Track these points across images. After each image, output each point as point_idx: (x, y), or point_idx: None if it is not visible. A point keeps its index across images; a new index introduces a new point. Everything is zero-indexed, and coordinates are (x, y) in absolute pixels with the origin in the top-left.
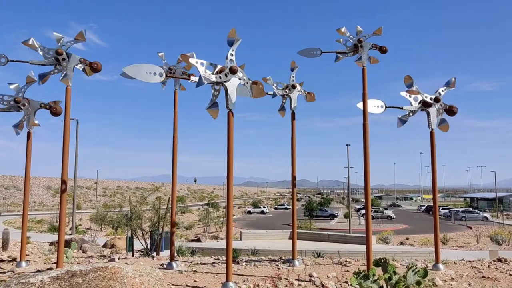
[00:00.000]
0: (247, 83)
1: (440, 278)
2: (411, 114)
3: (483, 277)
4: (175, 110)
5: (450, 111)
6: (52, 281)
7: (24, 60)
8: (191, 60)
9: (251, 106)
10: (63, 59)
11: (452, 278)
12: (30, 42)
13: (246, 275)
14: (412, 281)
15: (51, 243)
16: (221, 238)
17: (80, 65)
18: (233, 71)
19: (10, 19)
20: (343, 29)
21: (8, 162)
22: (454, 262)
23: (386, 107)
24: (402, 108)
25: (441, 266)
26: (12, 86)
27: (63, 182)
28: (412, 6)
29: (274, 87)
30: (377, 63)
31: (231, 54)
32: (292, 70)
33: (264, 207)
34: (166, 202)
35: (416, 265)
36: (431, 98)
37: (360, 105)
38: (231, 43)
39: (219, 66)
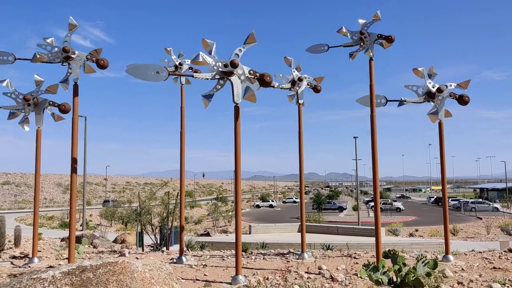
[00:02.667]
0: (253, 78)
1: (450, 269)
2: (436, 105)
3: (494, 268)
4: (182, 105)
5: (462, 100)
6: (64, 276)
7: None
8: (201, 56)
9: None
10: (70, 57)
11: (463, 269)
12: (49, 41)
13: (255, 269)
14: (422, 272)
15: (62, 239)
16: (230, 232)
17: (87, 61)
18: (234, 65)
19: (18, 17)
20: (344, 30)
21: (18, 159)
22: (464, 253)
23: (387, 100)
24: (404, 101)
25: (451, 257)
26: (4, 83)
27: (73, 178)
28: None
29: (280, 79)
30: (390, 46)
31: (240, 50)
32: (296, 69)
33: (273, 201)
34: (175, 197)
35: (425, 257)
36: (434, 88)
37: (359, 100)
38: (245, 41)
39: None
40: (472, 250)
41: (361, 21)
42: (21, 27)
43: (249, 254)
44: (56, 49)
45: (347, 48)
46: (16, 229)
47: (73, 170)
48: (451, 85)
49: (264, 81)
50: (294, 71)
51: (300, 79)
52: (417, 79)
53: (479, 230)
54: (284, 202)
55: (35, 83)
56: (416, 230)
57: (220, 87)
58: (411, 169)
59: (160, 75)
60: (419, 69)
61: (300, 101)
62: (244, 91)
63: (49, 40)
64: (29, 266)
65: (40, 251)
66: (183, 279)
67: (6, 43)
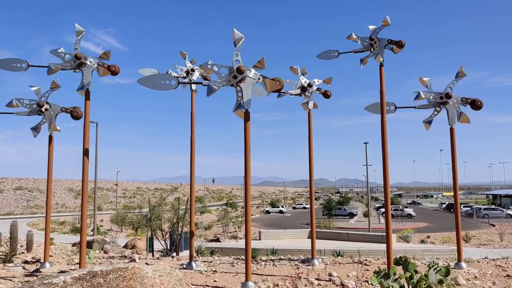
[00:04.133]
0: (259, 79)
1: (463, 277)
2: (435, 113)
3: (508, 275)
4: (192, 111)
5: (474, 105)
6: (75, 282)
7: (45, 65)
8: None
9: (268, 105)
10: (82, 64)
11: (476, 277)
12: (59, 50)
13: (265, 275)
14: (434, 280)
15: (73, 244)
16: (240, 238)
17: (96, 66)
18: (240, 71)
19: (32, 26)
20: (353, 36)
21: (31, 165)
22: (477, 261)
23: (396, 107)
24: (414, 107)
25: (463, 264)
26: (33, 89)
27: (84, 183)
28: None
29: (290, 85)
30: (401, 51)
31: (236, 55)
32: (303, 74)
33: (283, 207)
34: (185, 203)
35: (437, 264)
36: (442, 96)
37: (368, 108)
38: (235, 44)
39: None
40: (485, 258)
41: (371, 27)
42: (35, 36)
43: (259, 260)
44: (68, 56)
45: (357, 54)
46: (28, 234)
47: (85, 175)
48: (380, 29)
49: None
50: (302, 78)
51: (309, 85)
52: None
53: (492, 237)
54: (294, 208)
55: (50, 89)
56: (428, 237)
57: (241, 93)
58: (422, 175)
59: (170, 84)
60: (424, 79)
61: (310, 107)
62: (264, 85)
63: (59, 51)
64: (41, 271)
65: (51, 256)
66: (193, 285)
67: (21, 51)
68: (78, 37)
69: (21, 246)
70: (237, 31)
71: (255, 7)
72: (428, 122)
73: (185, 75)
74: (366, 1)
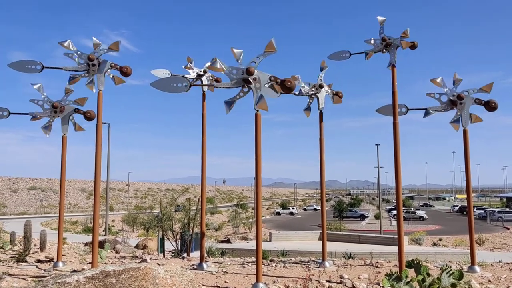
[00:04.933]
0: (270, 79)
1: (476, 280)
2: (442, 110)
3: None
4: (203, 112)
5: (489, 106)
6: (87, 281)
7: (59, 67)
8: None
9: (279, 107)
10: (94, 65)
11: (490, 281)
12: (66, 44)
13: (276, 276)
14: (446, 283)
15: (86, 244)
16: (251, 239)
17: (110, 70)
18: (250, 72)
19: (45, 28)
20: (372, 41)
21: (45, 165)
22: (491, 264)
23: (408, 109)
24: (426, 109)
25: (477, 268)
26: (35, 86)
27: (96, 184)
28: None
29: (301, 86)
30: (409, 45)
31: (258, 58)
32: (322, 69)
33: (293, 208)
34: (195, 204)
35: (450, 267)
36: (454, 96)
37: (379, 110)
38: (265, 50)
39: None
40: (499, 261)
41: (379, 18)
42: (48, 38)
43: (270, 261)
44: (80, 60)
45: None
46: (41, 234)
47: (97, 176)
48: (473, 90)
49: (285, 87)
50: (321, 76)
51: (320, 86)
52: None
53: (506, 240)
54: (304, 209)
55: (64, 91)
56: (440, 240)
57: (243, 94)
58: (434, 177)
59: (182, 87)
60: (437, 79)
61: (321, 108)
62: (257, 99)
63: (66, 44)
64: (54, 270)
65: (64, 255)
66: (203, 285)
67: (34, 52)
68: (96, 49)
69: (35, 245)
70: (273, 41)
71: (254, 7)
72: (456, 121)
73: (196, 76)
74: (377, 2)
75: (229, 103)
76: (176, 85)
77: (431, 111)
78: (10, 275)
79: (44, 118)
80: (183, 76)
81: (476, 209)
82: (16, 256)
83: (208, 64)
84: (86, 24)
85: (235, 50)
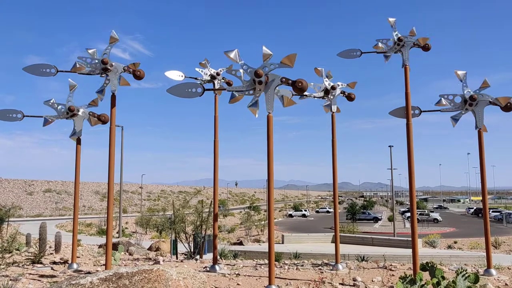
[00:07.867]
0: (281, 81)
1: (492, 284)
2: (462, 112)
3: None
4: (216, 114)
5: (505, 106)
6: (101, 283)
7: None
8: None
9: (292, 109)
10: (107, 69)
11: (506, 284)
12: (91, 52)
13: (288, 279)
14: (462, 286)
15: (99, 246)
16: (263, 241)
17: (122, 73)
18: (258, 75)
19: (62, 32)
20: (380, 45)
21: (60, 168)
22: (508, 268)
23: (421, 111)
24: (440, 111)
25: (493, 271)
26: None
27: (110, 186)
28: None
29: (312, 87)
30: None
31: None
32: (327, 77)
33: (306, 210)
34: (208, 206)
35: (466, 270)
36: (465, 100)
37: (392, 112)
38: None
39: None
40: None
41: (391, 19)
42: (65, 42)
43: (282, 264)
44: (95, 60)
45: (381, 54)
46: (56, 236)
47: (111, 178)
48: (488, 96)
49: (296, 88)
50: (326, 80)
51: (333, 88)
52: (453, 87)
53: None
54: (317, 211)
55: (69, 88)
56: (455, 242)
57: (258, 94)
58: (448, 179)
59: (196, 92)
60: (459, 72)
61: (334, 109)
62: (278, 99)
63: (91, 51)
64: (69, 272)
65: (79, 257)
66: None
67: (51, 56)
68: (111, 43)
69: (50, 247)
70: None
71: (281, 9)
72: (455, 119)
73: (209, 78)
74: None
75: (254, 105)
76: (190, 91)
77: (388, 54)
78: (26, 276)
79: (60, 122)
80: (196, 78)
81: (492, 211)
82: (32, 257)
83: (221, 69)
84: (99, 29)
85: (231, 55)
